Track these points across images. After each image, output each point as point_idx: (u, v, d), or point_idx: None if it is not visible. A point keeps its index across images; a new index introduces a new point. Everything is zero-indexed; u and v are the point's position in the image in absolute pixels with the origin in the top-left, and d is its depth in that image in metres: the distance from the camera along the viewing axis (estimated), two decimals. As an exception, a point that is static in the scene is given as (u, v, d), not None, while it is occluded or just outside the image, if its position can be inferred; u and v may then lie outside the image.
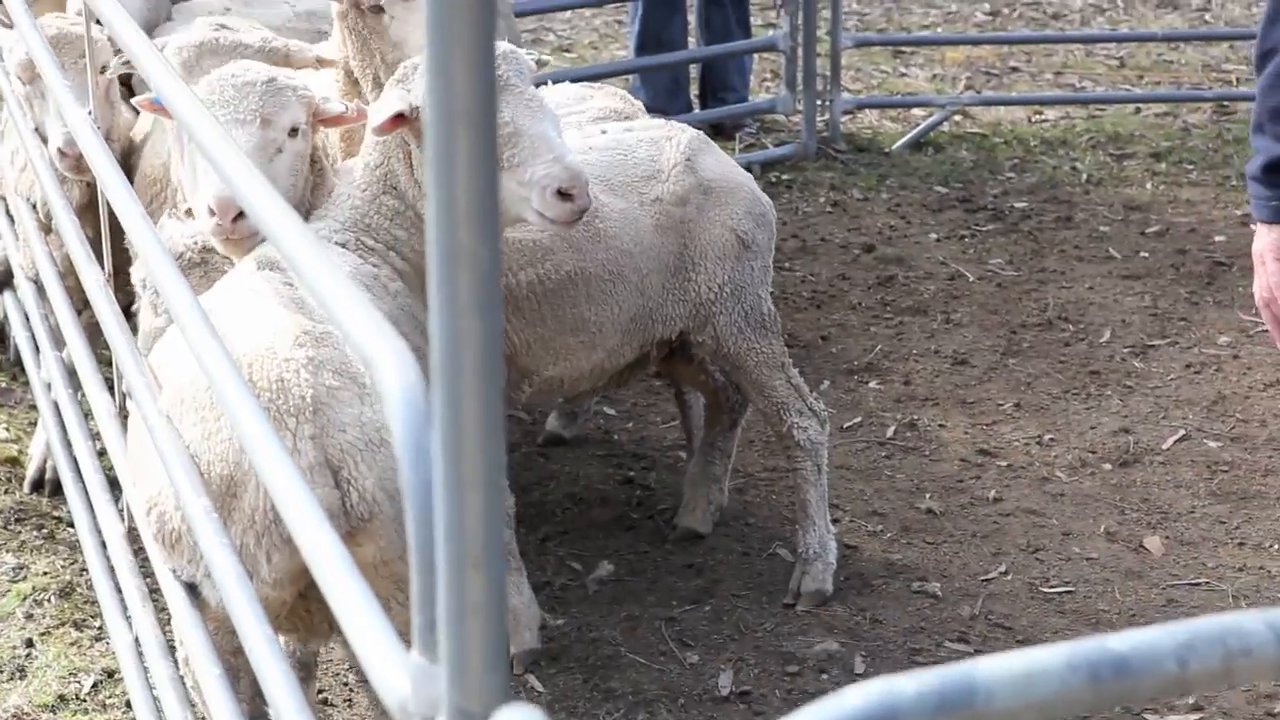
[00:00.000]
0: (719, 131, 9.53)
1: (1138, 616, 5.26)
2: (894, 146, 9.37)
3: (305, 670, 4.54)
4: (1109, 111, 9.96)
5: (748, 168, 8.91)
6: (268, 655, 2.62)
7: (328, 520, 3.24)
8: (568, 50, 11.31)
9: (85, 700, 4.79)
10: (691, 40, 9.78)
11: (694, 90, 9.81)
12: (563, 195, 3.99)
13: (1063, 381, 6.79)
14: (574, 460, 6.24)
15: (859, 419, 6.52)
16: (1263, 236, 3.66)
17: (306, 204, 4.28)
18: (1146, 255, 8.01)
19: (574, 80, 10.05)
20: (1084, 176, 9.01)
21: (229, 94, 4.09)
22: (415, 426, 1.85)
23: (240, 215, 3.96)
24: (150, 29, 5.85)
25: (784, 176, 9.01)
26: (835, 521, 5.72)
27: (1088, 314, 7.39)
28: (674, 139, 5.10)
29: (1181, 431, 6.37)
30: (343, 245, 4.12)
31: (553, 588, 5.40)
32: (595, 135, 5.11)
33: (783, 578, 5.39)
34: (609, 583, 5.43)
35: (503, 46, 4.18)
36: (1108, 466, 6.15)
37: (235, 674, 3.49)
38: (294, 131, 4.17)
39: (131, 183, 5.26)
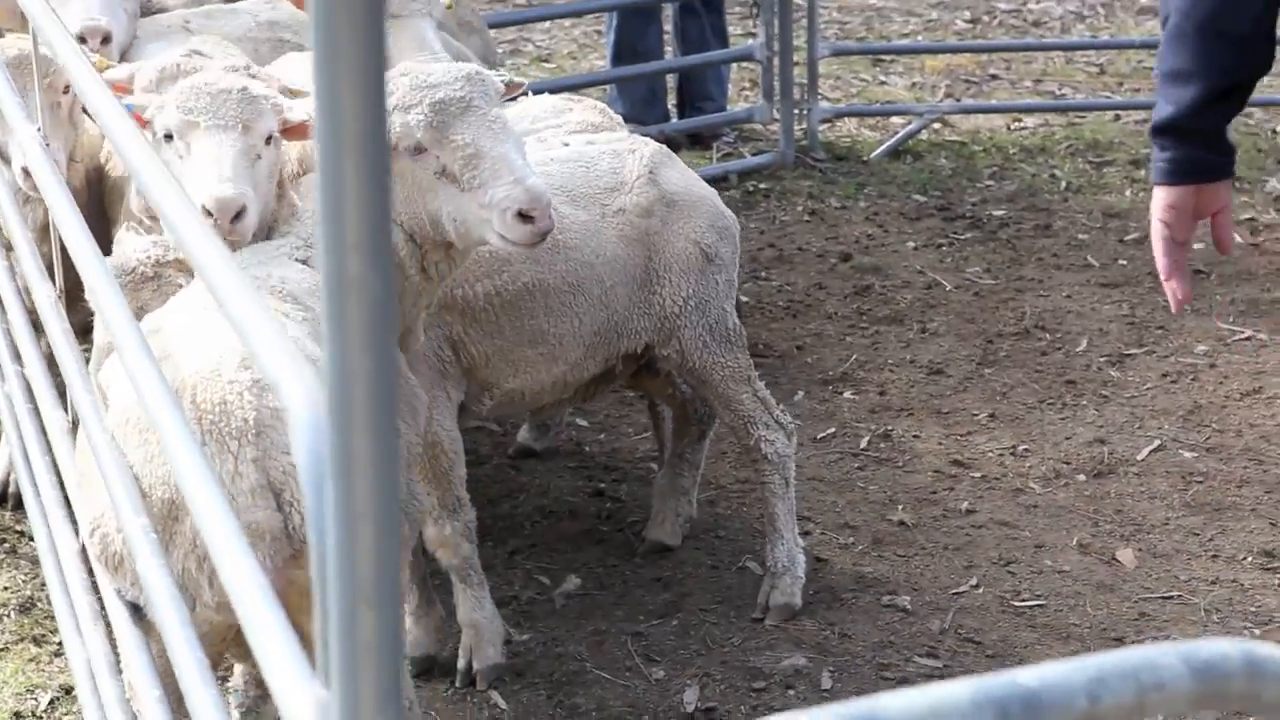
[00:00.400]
0: (697, 141, 9.51)
1: (1109, 630, 5.21)
2: (872, 155, 9.33)
3: (263, 688, 4.49)
4: (1089, 119, 9.93)
5: (724, 177, 8.92)
6: (197, 680, 2.57)
7: (252, 547, 3.21)
8: (546, 61, 11.27)
9: (41, 717, 4.74)
10: (669, 50, 9.74)
11: (672, 100, 9.76)
12: (523, 217, 3.94)
13: (1038, 391, 6.75)
14: (544, 472, 6.19)
15: (833, 430, 6.48)
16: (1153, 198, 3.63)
17: (274, 215, 4.23)
18: (1125, 263, 7.98)
19: (551, 91, 10.03)
20: (1063, 184, 8.98)
21: (204, 101, 4.04)
22: (319, 454, 1.81)
23: (238, 216, 3.92)
24: (124, 49, 5.78)
25: (761, 185, 8.97)
26: (806, 534, 5.68)
27: (1065, 323, 7.35)
28: (637, 151, 5.07)
29: (1157, 442, 6.33)
30: (304, 261, 4.07)
31: (519, 602, 5.36)
32: (557, 147, 5.08)
33: (752, 591, 5.35)
34: (576, 597, 5.38)
35: (467, 68, 4.14)
36: (1082, 477, 6.10)
37: (179, 697, 3.44)
38: (269, 139, 4.13)
39: (109, 202, 5.24)
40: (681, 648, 5.11)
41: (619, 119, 5.64)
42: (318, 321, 3.90)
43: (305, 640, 3.53)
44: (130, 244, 4.30)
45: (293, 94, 4.66)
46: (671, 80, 9.78)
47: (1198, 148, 3.50)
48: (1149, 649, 1.56)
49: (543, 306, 4.82)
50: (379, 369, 1.54)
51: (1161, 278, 3.64)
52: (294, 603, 3.48)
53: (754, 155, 9.35)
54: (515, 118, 5.35)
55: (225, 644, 3.59)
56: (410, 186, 4.04)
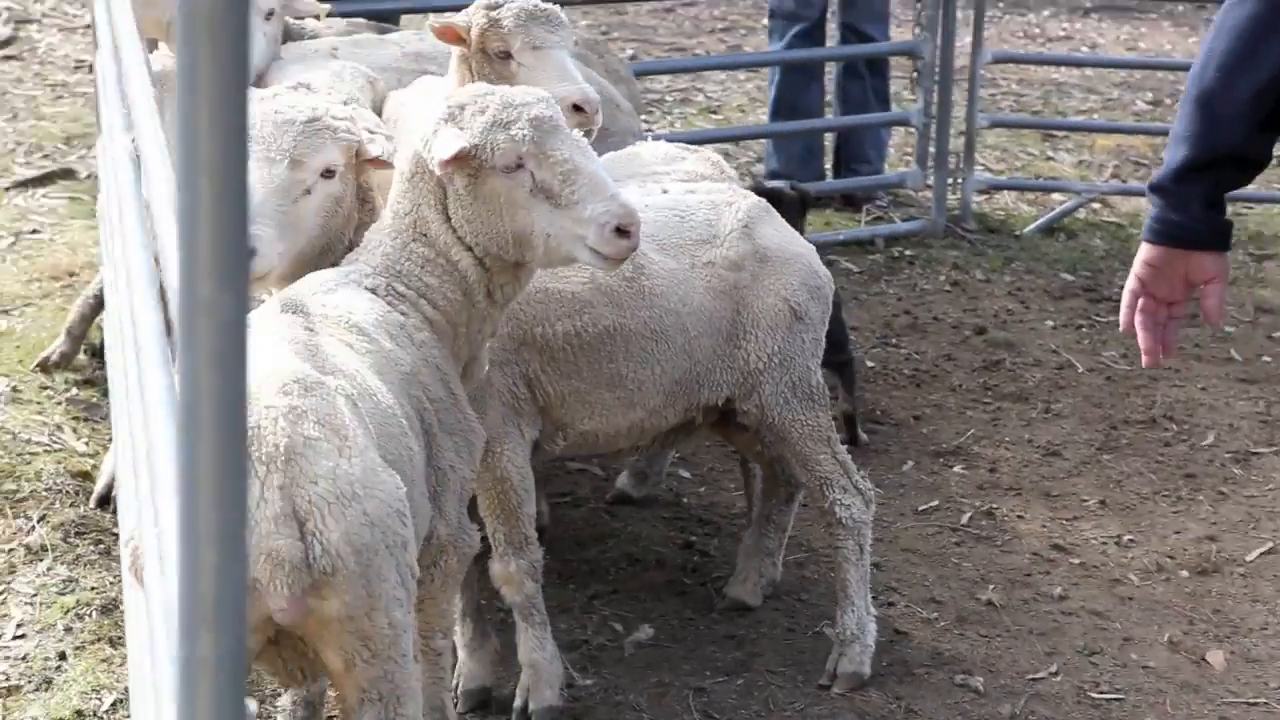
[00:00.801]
0: (850, 202, 9.47)
1: (1184, 731, 5.08)
2: (1025, 230, 9.22)
3: (310, 709, 4.54)
4: (1256, 210, 9.72)
5: (871, 240, 8.88)
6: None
7: (270, 575, 3.23)
8: (715, 112, 11.30)
9: (102, 717, 4.83)
10: (830, 110, 9.72)
11: (830, 160, 9.74)
12: (620, 232, 3.97)
13: (1155, 482, 6.60)
14: (638, 520, 6.19)
15: (936, 503, 6.39)
16: None
17: (346, 241, 4.27)
18: (1269, 360, 7.79)
19: (710, 142, 10.08)
20: (1218, 274, 8.77)
21: (267, 130, 4.11)
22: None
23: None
24: (260, 71, 5.87)
25: (907, 252, 8.91)
26: (890, 605, 5.62)
27: (1195, 415, 7.18)
28: (734, 204, 5.06)
29: (1269, 544, 6.16)
30: (373, 290, 4.08)
31: (589, 646, 5.35)
32: (655, 193, 5.08)
33: (824, 657, 5.27)
34: (646, 646, 5.36)
35: (540, 91, 4.16)
36: (1184, 573, 5.96)
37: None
38: (329, 173, 4.17)
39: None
40: (743, 707, 5.07)
41: (733, 172, 5.64)
42: (383, 355, 3.91)
43: (328, 671, 3.55)
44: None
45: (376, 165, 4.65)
46: (830, 140, 9.76)
47: (1180, 213, 3.49)
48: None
49: (623, 351, 4.81)
50: (228, 392, 1.55)
51: (1120, 329, 3.64)
52: (313, 631, 3.50)
53: (904, 221, 9.28)
54: (625, 161, 5.38)
55: (255, 663, 3.61)
56: (502, 204, 4.02)
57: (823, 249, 8.69)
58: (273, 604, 3.36)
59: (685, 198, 5.05)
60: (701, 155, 5.59)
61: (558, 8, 5.23)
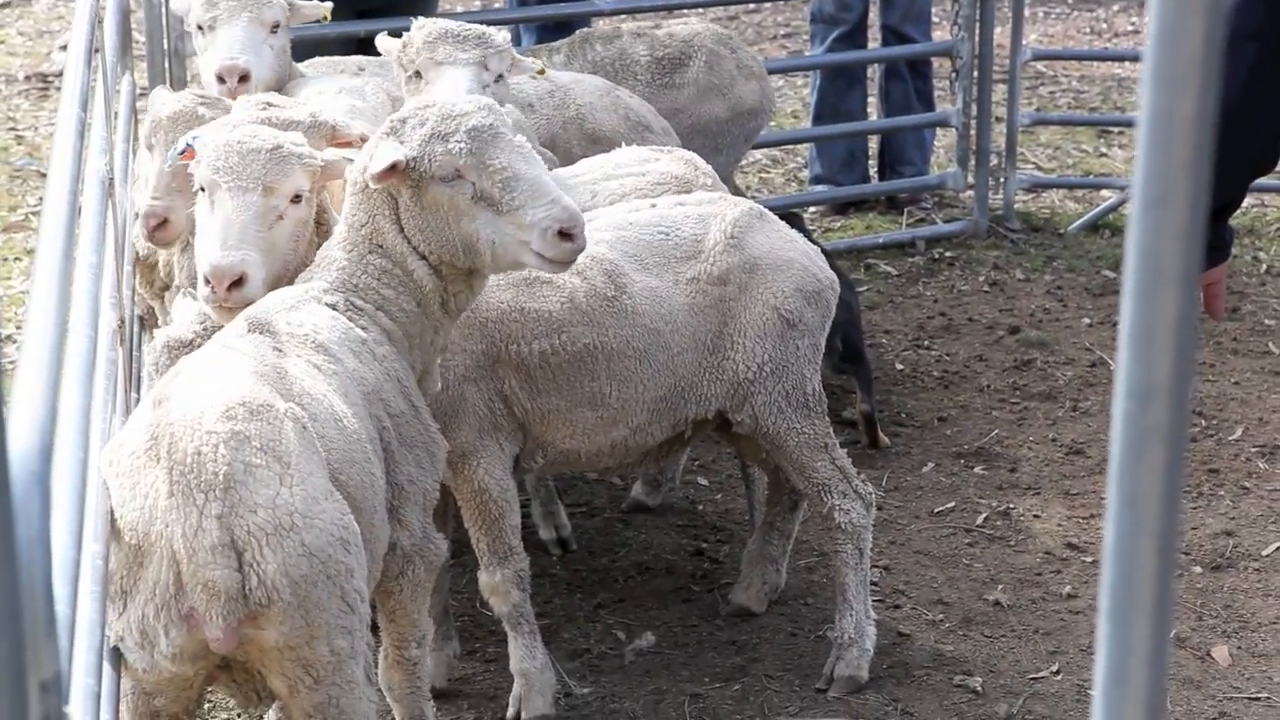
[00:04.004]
0: (893, 205, 9.48)
1: (1181, 728, 5.07)
2: (1069, 228, 9.18)
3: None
4: (1301, 202, 9.62)
5: (911, 243, 8.88)
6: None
7: (205, 604, 3.33)
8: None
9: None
10: (874, 114, 9.73)
11: (875, 165, 9.75)
12: (564, 235, 4.05)
13: (1177, 478, 6.55)
14: (651, 529, 6.24)
15: (952, 504, 6.40)
16: None
17: (304, 262, 4.34)
18: (1308, 352, 7.72)
19: (754, 149, 10.06)
20: (1264, 267, 8.72)
21: (232, 160, 4.19)
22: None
23: (235, 284, 4.09)
24: (269, 85, 5.95)
25: (947, 253, 8.90)
26: (896, 608, 5.64)
27: (1225, 409, 7.14)
28: (722, 215, 5.05)
29: (1288, 538, 6.12)
30: (333, 306, 4.15)
31: (590, 655, 5.42)
32: (643, 208, 5.10)
33: (825, 661, 5.31)
34: (647, 654, 5.42)
35: (482, 100, 4.25)
36: (1198, 569, 5.93)
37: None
38: (297, 198, 4.27)
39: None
40: (737, 713, 5.11)
41: (708, 169, 5.63)
42: (347, 375, 3.99)
43: (276, 695, 3.60)
44: (181, 310, 4.46)
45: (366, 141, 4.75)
46: (876, 144, 9.77)
47: None
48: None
49: (605, 370, 4.86)
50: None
51: None
52: (255, 658, 3.55)
53: (947, 223, 9.27)
54: (599, 165, 5.45)
55: (189, 695, 3.63)
56: (446, 212, 4.12)
57: (863, 252, 8.81)
58: (208, 633, 3.40)
59: (672, 212, 5.07)
60: (676, 155, 5.60)
61: (482, 28, 5.33)
